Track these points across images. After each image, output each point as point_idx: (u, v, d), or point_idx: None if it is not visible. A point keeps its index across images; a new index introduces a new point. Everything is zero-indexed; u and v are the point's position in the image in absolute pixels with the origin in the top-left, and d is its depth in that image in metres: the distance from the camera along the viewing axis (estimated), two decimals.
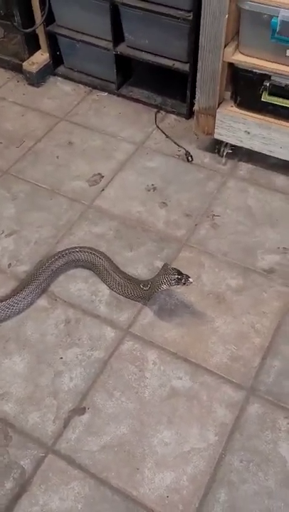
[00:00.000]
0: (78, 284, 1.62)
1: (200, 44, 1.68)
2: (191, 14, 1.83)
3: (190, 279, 1.45)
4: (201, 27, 1.63)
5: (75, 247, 1.66)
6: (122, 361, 1.44)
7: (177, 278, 1.44)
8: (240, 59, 1.67)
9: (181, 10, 1.86)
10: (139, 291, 1.53)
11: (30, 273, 1.63)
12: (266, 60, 1.63)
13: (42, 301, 1.58)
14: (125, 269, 1.64)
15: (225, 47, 1.66)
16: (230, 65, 1.73)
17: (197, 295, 1.58)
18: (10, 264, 1.69)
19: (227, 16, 1.57)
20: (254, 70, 1.67)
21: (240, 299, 1.57)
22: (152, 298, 1.54)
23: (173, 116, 2.17)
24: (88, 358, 1.45)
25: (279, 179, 1.91)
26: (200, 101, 1.83)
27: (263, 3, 1.51)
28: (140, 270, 1.64)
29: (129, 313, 1.55)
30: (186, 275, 1.46)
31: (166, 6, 1.88)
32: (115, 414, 1.34)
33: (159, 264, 1.65)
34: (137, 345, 1.48)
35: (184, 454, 1.28)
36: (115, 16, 2.01)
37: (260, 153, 1.87)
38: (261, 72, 1.66)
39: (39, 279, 1.57)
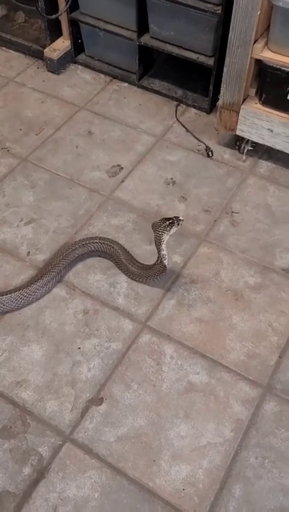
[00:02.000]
0: (97, 275, 1.62)
1: (229, 39, 1.67)
2: (220, 8, 1.82)
3: (180, 217, 1.49)
4: (231, 22, 1.62)
5: (94, 237, 1.66)
6: (140, 354, 1.45)
7: (169, 223, 1.47)
8: (269, 56, 1.66)
9: (210, 3, 1.84)
10: (154, 267, 1.54)
11: (48, 261, 1.63)
12: None
13: (61, 291, 1.59)
14: (144, 262, 1.64)
15: (254, 43, 1.65)
16: (258, 61, 1.72)
17: (215, 291, 1.59)
18: (29, 252, 1.69)
19: (259, 12, 1.56)
20: (282, 68, 1.66)
21: (258, 296, 1.58)
22: (166, 264, 1.51)
23: (193, 111, 2.16)
24: (106, 349, 1.46)
25: None
26: (224, 96, 1.82)
27: None
28: None
29: (148, 307, 1.55)
30: (175, 216, 1.49)
31: None
32: (132, 406, 1.36)
33: (178, 259, 1.66)
34: (154, 339, 1.48)
35: (200, 448, 1.29)
36: (141, 6, 2.00)
37: (280, 151, 1.86)
38: None
39: (57, 268, 1.57)
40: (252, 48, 1.66)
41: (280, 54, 1.65)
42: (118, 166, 1.96)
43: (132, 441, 1.30)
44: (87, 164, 1.96)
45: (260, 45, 1.66)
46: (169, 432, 1.32)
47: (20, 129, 2.09)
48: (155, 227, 1.48)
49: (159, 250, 1.49)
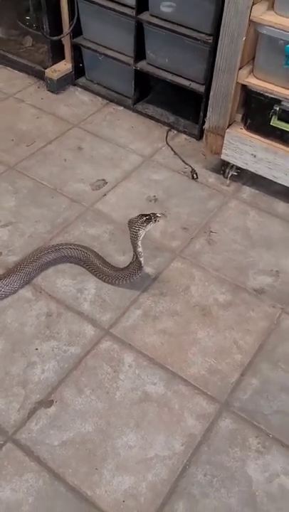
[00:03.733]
0: (66, 280, 1.61)
1: (216, 63, 1.72)
2: (212, 38, 1.89)
3: (158, 214, 1.46)
4: (218, 47, 1.68)
5: (67, 243, 1.66)
6: (98, 360, 1.41)
7: (146, 219, 1.44)
8: (254, 82, 1.71)
9: (203, 33, 1.92)
10: (130, 265, 1.52)
11: (18, 263, 1.62)
12: (278, 86, 1.67)
13: (27, 292, 1.57)
14: None
15: (240, 69, 1.70)
16: (244, 87, 1.77)
17: (183, 305, 1.56)
18: (1, 253, 1.68)
19: (244, 38, 1.62)
20: (266, 94, 1.70)
21: (226, 314, 1.55)
22: (142, 261, 1.50)
23: (184, 136, 2.21)
24: (64, 353, 1.42)
25: (280, 206, 1.91)
26: (210, 119, 1.86)
27: (280, 29, 1.55)
28: None
29: (112, 314, 1.52)
30: (152, 213, 1.46)
31: (189, 28, 1.94)
32: (82, 411, 1.30)
33: (150, 271, 1.65)
34: (115, 346, 1.44)
35: (147, 459, 1.23)
36: (139, 33, 2.08)
37: (264, 178, 1.88)
38: (272, 96, 1.69)
39: (25, 270, 1.56)
40: (237, 73, 1.71)
41: (263, 80, 1.69)
42: (103, 180, 1.98)
43: (77, 446, 1.24)
44: (72, 176, 1.98)
45: (245, 71, 1.71)
46: (116, 440, 1.25)
47: (12, 140, 2.13)
48: (131, 223, 1.46)
49: (134, 247, 1.47)
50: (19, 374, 1.37)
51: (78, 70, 2.40)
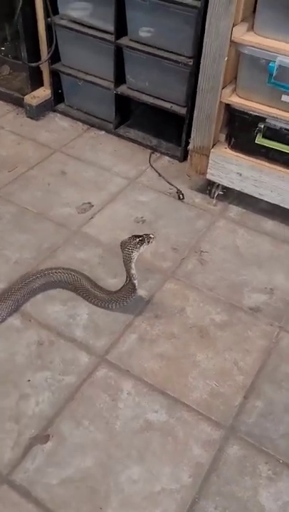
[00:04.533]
0: (56, 306, 1.54)
1: (198, 84, 1.73)
2: (192, 60, 1.91)
3: (151, 235, 1.43)
4: (200, 67, 1.69)
5: (56, 267, 1.60)
6: (95, 389, 1.34)
7: (139, 240, 1.40)
8: (237, 101, 1.72)
9: (183, 56, 1.93)
10: (123, 288, 1.47)
11: (4, 290, 1.54)
12: (262, 104, 1.68)
13: (15, 320, 1.49)
14: None
15: (223, 88, 1.71)
16: (227, 106, 1.77)
17: (180, 327, 1.51)
18: None
19: (226, 58, 1.63)
20: (249, 112, 1.71)
21: (224, 334, 1.50)
22: (136, 284, 1.45)
23: (167, 158, 2.20)
24: (58, 383, 1.34)
25: (267, 224, 1.90)
26: (195, 140, 1.86)
27: (261, 49, 1.57)
28: None
29: (107, 340, 1.46)
30: (145, 234, 1.42)
31: (169, 51, 1.96)
32: (81, 445, 1.22)
33: (143, 293, 1.59)
34: (112, 373, 1.37)
35: (153, 494, 1.15)
36: (119, 58, 2.09)
37: (250, 197, 1.88)
38: (256, 114, 1.70)
39: (13, 297, 1.49)
40: (220, 93, 1.71)
41: (247, 99, 1.70)
42: (89, 203, 1.94)
43: (77, 484, 1.15)
44: (57, 201, 1.94)
45: (228, 90, 1.72)
46: (119, 475, 1.17)
47: None
48: (124, 245, 1.42)
49: (128, 269, 1.43)
50: (11, 407, 1.28)
51: (57, 96, 2.39)
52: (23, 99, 2.37)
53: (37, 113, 2.36)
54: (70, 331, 1.47)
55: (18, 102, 2.41)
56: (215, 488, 1.17)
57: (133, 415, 1.28)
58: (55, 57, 2.25)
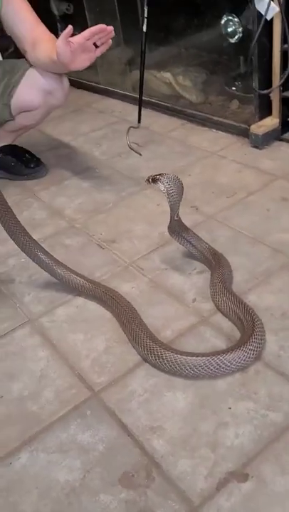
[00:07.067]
0: (266, 335, 1.39)
1: None
2: None
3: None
4: None
5: None
6: None
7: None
8: None
9: None
10: None
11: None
12: None
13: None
14: None
15: None
16: None
17: None
18: (195, 299, 1.57)
19: None
20: None
21: None
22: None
23: None
24: (262, 417, 1.18)
25: None
26: None
27: None
28: None
29: None
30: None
31: None
32: (284, 496, 1.02)
33: None
34: None
35: None
36: None
37: None
38: None
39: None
40: None
41: None
42: None
43: None
44: (275, 226, 1.82)
45: None
46: None
47: (213, 192, 2.09)
48: None
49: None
50: (208, 433, 1.17)
51: (285, 125, 2.30)
52: (248, 129, 2.36)
53: (262, 142, 2.32)
54: (280, 364, 1.30)
55: (244, 133, 2.42)
56: None
57: None
58: (286, 84, 2.19)
